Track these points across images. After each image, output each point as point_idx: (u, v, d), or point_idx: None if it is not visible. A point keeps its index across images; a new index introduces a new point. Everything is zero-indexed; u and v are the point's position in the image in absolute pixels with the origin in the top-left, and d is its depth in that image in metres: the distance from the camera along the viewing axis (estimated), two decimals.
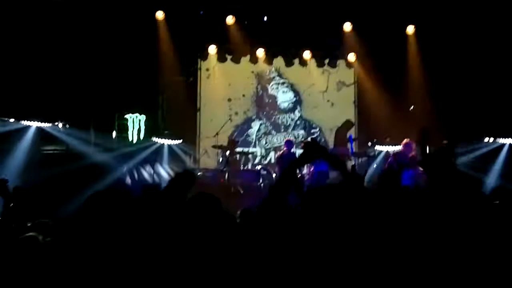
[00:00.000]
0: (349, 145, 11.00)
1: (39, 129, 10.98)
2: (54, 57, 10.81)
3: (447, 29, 11.93)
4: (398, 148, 10.15)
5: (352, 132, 11.28)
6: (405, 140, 9.33)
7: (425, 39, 12.40)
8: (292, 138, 12.74)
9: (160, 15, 11.98)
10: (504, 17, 11.33)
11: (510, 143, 12.11)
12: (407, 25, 12.59)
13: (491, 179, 11.07)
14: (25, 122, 10.80)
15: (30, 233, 3.33)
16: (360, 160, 11.95)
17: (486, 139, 12.18)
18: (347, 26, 12.62)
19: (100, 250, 2.37)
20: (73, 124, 11.37)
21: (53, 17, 10.69)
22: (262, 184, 11.12)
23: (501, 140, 12.15)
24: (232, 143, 11.77)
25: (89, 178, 9.04)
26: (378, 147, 12.33)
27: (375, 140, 12.15)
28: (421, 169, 9.41)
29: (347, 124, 11.61)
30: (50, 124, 11.11)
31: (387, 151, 12.15)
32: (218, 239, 2.69)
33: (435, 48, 12.20)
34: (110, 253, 2.37)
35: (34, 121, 10.87)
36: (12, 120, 10.67)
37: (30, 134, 10.88)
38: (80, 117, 11.35)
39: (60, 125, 11.31)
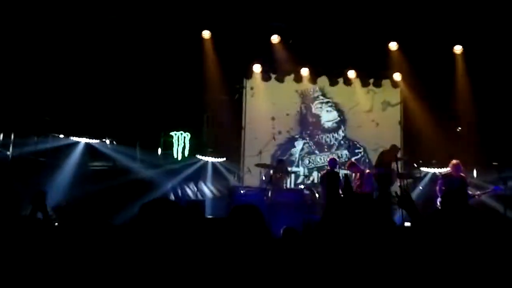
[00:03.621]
0: (394, 165, 10.71)
1: (87, 145, 11.28)
2: (103, 77, 11.14)
3: (498, 50, 11.64)
4: (446, 169, 9.97)
5: (398, 154, 11.01)
6: (454, 161, 9.13)
7: (474, 60, 12.12)
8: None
9: (206, 34, 12.16)
10: None
11: None
12: (455, 45, 12.35)
13: None
14: (74, 138, 11.12)
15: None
16: (405, 182, 11.63)
17: None
18: (393, 45, 12.50)
19: (154, 253, 2.46)
20: (120, 141, 11.63)
21: (103, 37, 11.02)
22: (304, 204, 10.97)
23: None
24: (282, 162, 11.65)
25: (135, 194, 9.19)
26: (423, 169, 12.09)
27: (420, 161, 11.91)
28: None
29: (394, 149, 11.32)
30: (98, 141, 11.40)
31: (434, 173, 11.90)
32: (260, 255, 2.69)
33: (484, 69, 11.91)
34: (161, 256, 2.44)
35: (82, 137, 11.18)
36: (62, 136, 11.01)
37: (79, 149, 11.19)
38: (127, 134, 11.61)
39: (108, 141, 11.58)
